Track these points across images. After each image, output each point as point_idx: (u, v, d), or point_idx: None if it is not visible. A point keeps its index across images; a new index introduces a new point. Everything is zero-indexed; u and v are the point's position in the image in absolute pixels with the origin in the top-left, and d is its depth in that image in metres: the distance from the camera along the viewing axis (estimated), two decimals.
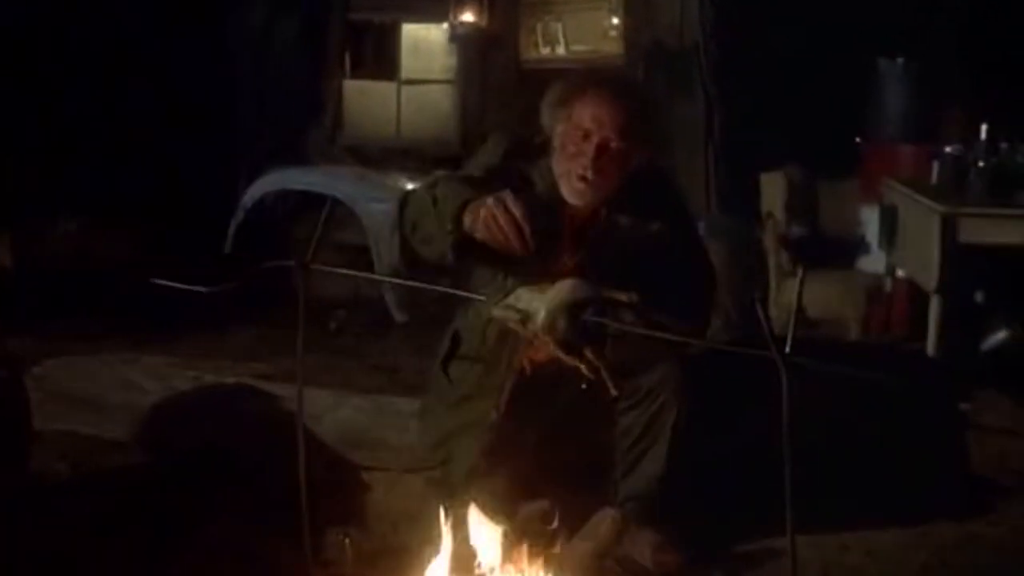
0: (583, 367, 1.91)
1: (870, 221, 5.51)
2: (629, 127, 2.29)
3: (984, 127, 4.53)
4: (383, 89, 6.47)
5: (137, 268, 4.91)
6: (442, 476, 2.47)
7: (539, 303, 1.87)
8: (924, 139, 5.30)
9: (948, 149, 4.75)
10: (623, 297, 1.86)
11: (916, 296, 4.84)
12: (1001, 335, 4.66)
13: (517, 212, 2.00)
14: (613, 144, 2.28)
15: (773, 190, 5.09)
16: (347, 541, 2.33)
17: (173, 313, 4.33)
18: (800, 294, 1.61)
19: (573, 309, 1.85)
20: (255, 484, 2.65)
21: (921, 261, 4.33)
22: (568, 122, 2.31)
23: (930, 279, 4.16)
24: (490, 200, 2.02)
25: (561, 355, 1.90)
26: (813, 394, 3.04)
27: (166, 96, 6.11)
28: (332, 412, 3.02)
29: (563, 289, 1.88)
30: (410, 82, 6.46)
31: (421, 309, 5.60)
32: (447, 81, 6.37)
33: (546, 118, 2.41)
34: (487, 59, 6.24)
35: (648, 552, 2.37)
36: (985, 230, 4.10)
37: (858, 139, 5.91)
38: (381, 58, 6.55)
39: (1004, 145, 4.23)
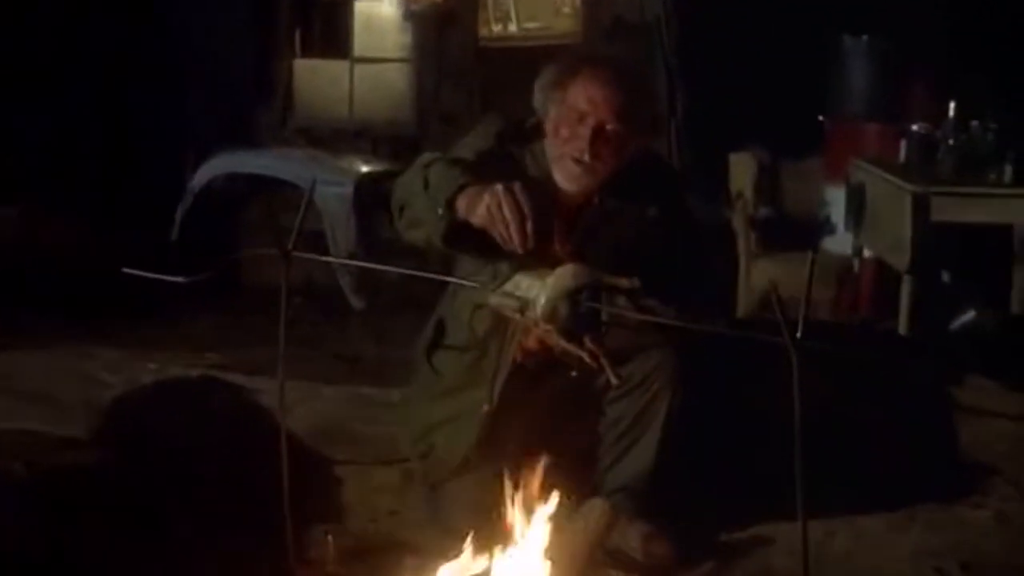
0: (584, 355, 1.90)
1: (836, 201, 5.58)
2: (626, 110, 2.26)
3: (952, 105, 4.61)
4: (335, 68, 6.43)
5: (86, 257, 4.84)
6: (424, 469, 2.46)
7: (539, 290, 1.86)
8: (890, 118, 5.38)
9: (915, 128, 4.83)
10: (624, 283, 1.85)
11: (884, 277, 4.93)
12: (969, 315, 4.76)
13: (525, 206, 1.96)
14: (609, 127, 2.25)
15: (742, 170, 5.13)
16: (329, 538, 2.31)
17: (123, 304, 4.29)
18: (811, 278, 1.62)
19: (574, 295, 1.84)
20: (227, 480, 2.62)
21: (892, 241, 4.40)
22: (562, 104, 2.28)
23: (902, 259, 4.23)
24: (499, 187, 1.98)
25: (562, 343, 1.90)
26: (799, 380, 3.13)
27: (111, 78, 6.00)
28: (303, 405, 2.99)
29: (564, 275, 1.87)
30: (363, 60, 6.41)
31: (378, 295, 5.60)
32: (402, 60, 6.34)
33: (539, 100, 2.35)
34: (443, 37, 6.21)
35: (638, 544, 2.36)
36: (956, 209, 4.18)
37: (821, 117, 5.98)
38: (333, 36, 6.50)
39: (975, 123, 4.30)
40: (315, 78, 6.47)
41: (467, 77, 6.05)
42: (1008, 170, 4.19)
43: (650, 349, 2.31)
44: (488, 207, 1.98)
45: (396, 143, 6.08)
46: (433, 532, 2.41)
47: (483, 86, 5.90)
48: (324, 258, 2.20)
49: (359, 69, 6.41)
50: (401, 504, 2.68)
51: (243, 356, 4.40)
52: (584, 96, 2.25)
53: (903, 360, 2.16)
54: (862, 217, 4.94)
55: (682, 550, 2.41)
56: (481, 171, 2.11)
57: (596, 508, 2.36)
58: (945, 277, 5.00)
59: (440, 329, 2.50)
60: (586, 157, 2.24)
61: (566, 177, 2.28)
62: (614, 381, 1.99)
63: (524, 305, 1.88)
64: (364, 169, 5.51)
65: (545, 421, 2.41)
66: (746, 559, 2.47)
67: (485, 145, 2.30)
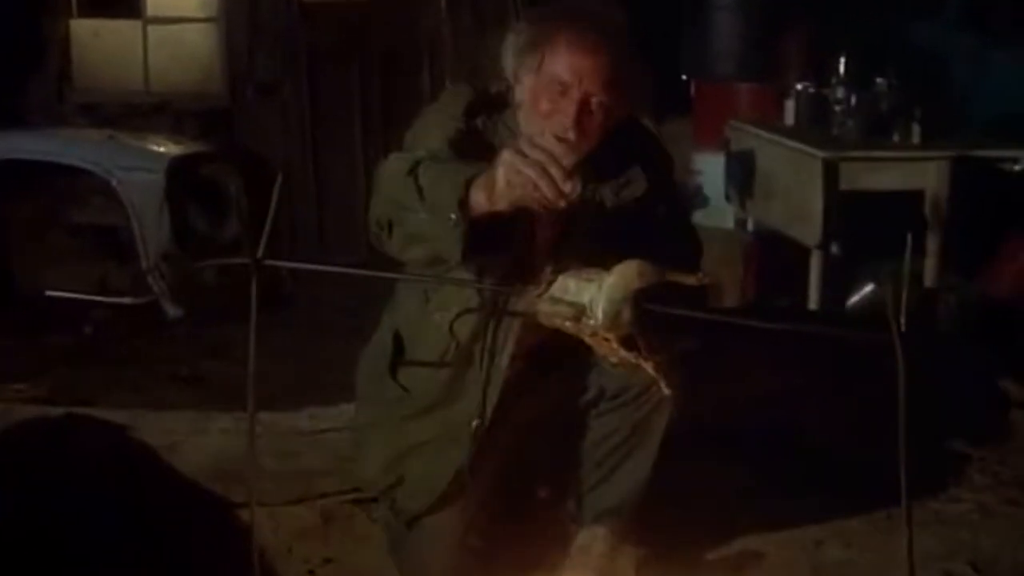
0: (649, 367, 1.89)
1: (708, 170, 5.75)
2: (615, 79, 2.19)
3: (842, 61, 4.82)
4: (124, 29, 6.16)
5: None
6: (398, 501, 2.38)
7: (595, 293, 1.83)
8: (765, 76, 5.58)
9: (800, 86, 5.02)
10: (693, 279, 1.85)
11: (772, 251, 5.12)
12: (868, 289, 5.01)
13: (542, 154, 1.92)
14: (596, 99, 2.19)
15: None
16: None
17: None
18: (905, 263, 1.66)
19: (638, 296, 1.82)
20: (98, 535, 2.49)
21: (796, 213, 4.56)
22: (539, 73, 2.20)
23: (811, 232, 4.39)
24: (504, 156, 1.94)
25: (622, 353, 1.87)
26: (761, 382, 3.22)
27: None
28: (189, 440, 2.84)
29: (627, 274, 1.84)
30: (159, 21, 6.17)
31: (196, 302, 5.39)
32: (207, 19, 6.13)
33: (510, 67, 2.26)
34: None
35: (632, 571, 2.38)
36: (867, 176, 4.37)
37: (684, 76, 6.15)
38: None
39: (880, 80, 4.50)
40: (98, 42, 6.16)
41: (286, 40, 5.89)
42: (916, 129, 4.41)
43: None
44: (507, 180, 1.93)
45: (205, 118, 5.87)
46: None
47: (309, 50, 5.76)
48: (302, 265, 2.05)
49: (154, 31, 6.16)
50: (337, 550, 2.61)
51: (59, 383, 4.19)
52: (567, 65, 2.18)
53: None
54: (749, 187, 5.10)
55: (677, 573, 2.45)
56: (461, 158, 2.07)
57: (598, 539, 2.36)
58: (835, 249, 5.25)
59: (398, 342, 2.42)
60: (571, 135, 2.18)
61: None
62: (665, 391, 1.98)
63: (580, 311, 1.85)
64: (175, 152, 5.28)
65: (527, 440, 2.38)
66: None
67: (453, 127, 2.23)
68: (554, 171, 1.91)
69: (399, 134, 2.37)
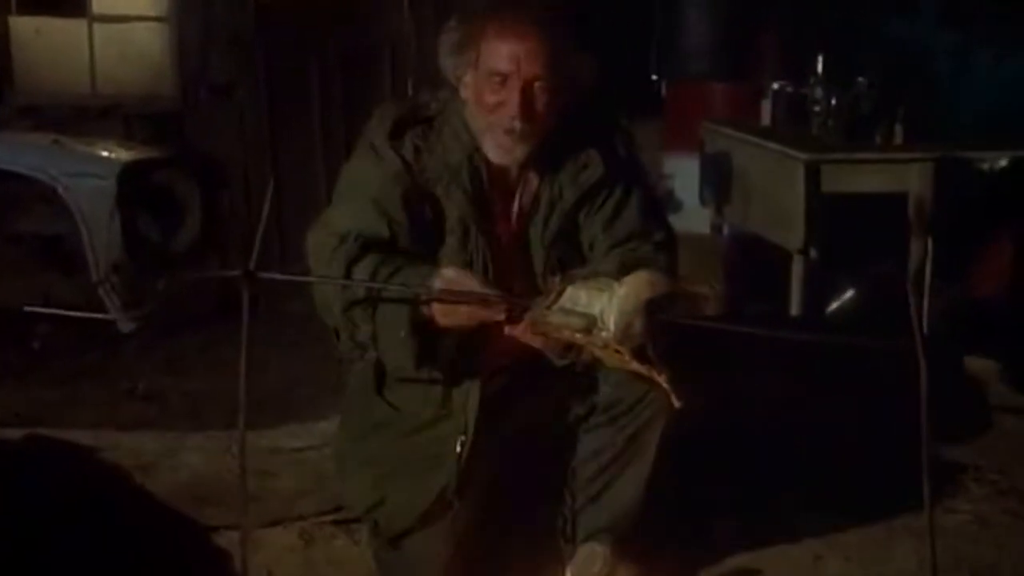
0: (662, 380, 1.87)
1: (681, 173, 5.75)
2: (553, 58, 2.25)
3: (820, 59, 4.83)
4: (69, 28, 6.05)
5: None
6: (380, 521, 2.36)
7: (606, 304, 1.82)
8: (739, 75, 5.60)
9: (777, 86, 5.03)
10: (706, 290, 1.85)
11: (750, 256, 5.12)
12: (848, 295, 5.02)
13: (469, 286, 2.08)
14: (538, 84, 2.24)
15: None
16: None
17: None
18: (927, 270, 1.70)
19: (651, 307, 1.81)
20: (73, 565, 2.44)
21: (776, 216, 4.56)
22: (478, 68, 2.26)
23: (793, 236, 4.39)
24: (437, 282, 2.09)
25: (634, 365, 1.86)
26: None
27: None
28: (162, 461, 2.80)
29: (638, 285, 1.84)
30: (106, 19, 6.07)
31: (149, 314, 5.31)
32: (157, 18, 6.06)
33: (450, 67, 2.34)
34: None
35: None
36: (849, 178, 4.37)
37: (654, 76, 6.15)
38: None
39: (861, 80, 4.52)
40: (41, 40, 6.04)
41: (241, 39, 5.82)
42: (898, 130, 4.43)
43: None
44: (440, 314, 2.09)
45: (155, 122, 5.78)
46: None
47: (266, 50, 5.70)
48: (296, 278, 2.10)
49: (101, 29, 6.05)
50: (318, 572, 2.59)
51: (9, 402, 4.11)
52: (502, 54, 2.22)
53: None
54: (726, 190, 5.10)
55: None
56: (405, 215, 2.23)
57: (596, 558, 2.34)
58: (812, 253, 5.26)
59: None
60: (517, 125, 2.23)
61: (497, 150, 2.28)
62: (677, 404, 1.97)
63: (591, 323, 1.83)
64: (126, 157, 5.20)
65: (516, 456, 2.37)
66: None
67: (379, 176, 2.28)
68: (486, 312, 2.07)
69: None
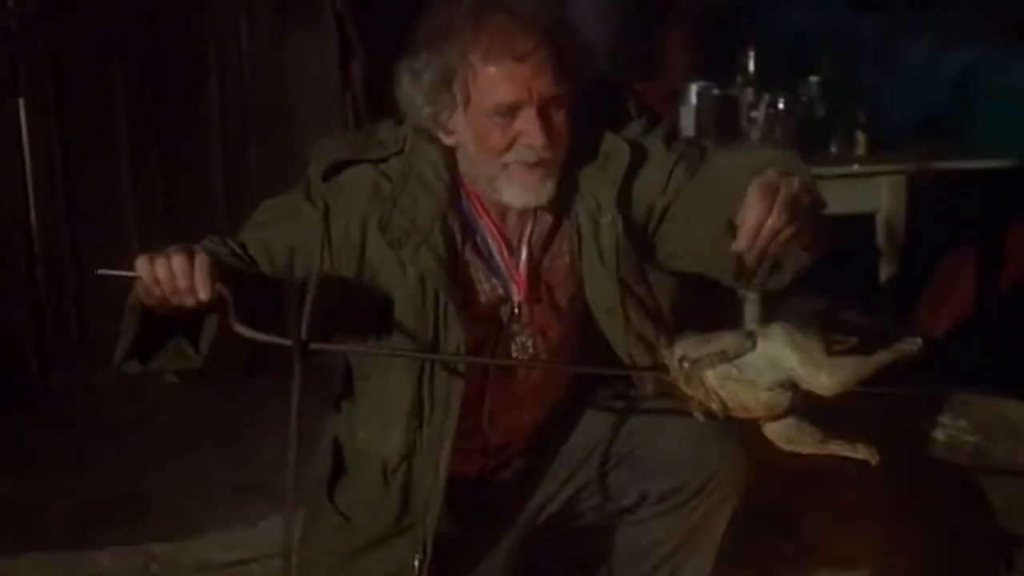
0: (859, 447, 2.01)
1: None
2: (562, 58, 2.17)
3: (751, 56, 4.78)
4: None
5: None
6: None
7: (794, 364, 1.86)
8: (647, 73, 5.53)
9: (697, 86, 4.97)
10: (849, 344, 1.90)
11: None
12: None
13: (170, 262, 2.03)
14: (554, 97, 2.18)
15: None
16: None
17: None
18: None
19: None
20: None
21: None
22: (470, 108, 2.17)
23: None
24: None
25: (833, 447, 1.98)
26: None
27: None
28: None
29: (798, 342, 1.88)
30: None
31: None
32: None
33: (424, 114, 2.25)
34: None
35: None
36: None
37: None
38: None
39: (814, 79, 4.45)
40: None
41: (20, 36, 5.38)
42: (861, 138, 4.37)
43: (694, 447, 2.25)
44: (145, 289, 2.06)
45: None
46: None
47: (53, 49, 5.28)
48: (350, 348, 2.18)
49: None
50: None
51: None
52: (503, 82, 2.12)
53: None
54: None
55: None
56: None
57: None
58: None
59: (337, 455, 2.40)
60: (546, 155, 2.18)
61: (524, 192, 2.23)
62: (874, 461, 2.04)
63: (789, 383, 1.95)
64: None
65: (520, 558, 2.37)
66: None
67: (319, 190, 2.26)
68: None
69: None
